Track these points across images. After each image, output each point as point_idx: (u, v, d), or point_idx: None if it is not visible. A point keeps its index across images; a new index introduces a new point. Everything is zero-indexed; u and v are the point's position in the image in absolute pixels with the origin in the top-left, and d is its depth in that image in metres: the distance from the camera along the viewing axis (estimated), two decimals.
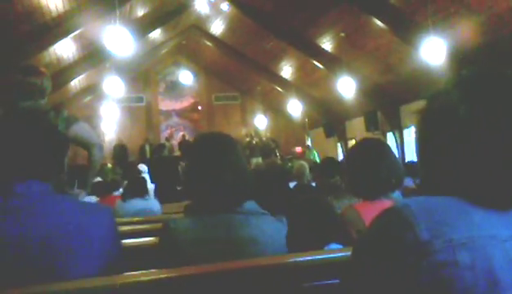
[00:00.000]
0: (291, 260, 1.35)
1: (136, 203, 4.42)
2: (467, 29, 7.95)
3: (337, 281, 1.33)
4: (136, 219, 3.29)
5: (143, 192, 4.54)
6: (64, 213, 1.28)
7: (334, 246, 1.93)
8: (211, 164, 1.50)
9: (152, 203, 4.54)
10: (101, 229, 1.31)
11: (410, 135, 11.71)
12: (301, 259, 1.35)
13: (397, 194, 1.87)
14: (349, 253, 1.33)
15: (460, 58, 8.16)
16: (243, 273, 1.28)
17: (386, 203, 1.78)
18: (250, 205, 1.52)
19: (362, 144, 2.03)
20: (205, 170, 1.50)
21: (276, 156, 14.74)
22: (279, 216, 1.59)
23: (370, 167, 1.87)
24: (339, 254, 1.37)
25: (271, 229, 1.51)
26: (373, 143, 2.05)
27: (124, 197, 4.53)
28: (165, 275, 1.25)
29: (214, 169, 1.49)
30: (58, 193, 1.37)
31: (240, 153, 1.58)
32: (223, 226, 1.44)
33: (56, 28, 8.45)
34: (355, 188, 2.01)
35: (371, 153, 1.91)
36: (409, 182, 5.26)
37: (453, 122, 0.86)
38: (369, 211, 1.76)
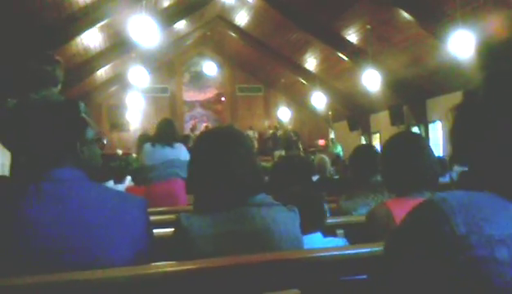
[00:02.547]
0: (315, 254, 1.34)
1: (166, 152, 4.36)
2: (496, 22, 7.75)
3: (364, 277, 1.32)
4: (160, 209, 3.30)
5: (172, 140, 4.47)
6: (98, 198, 1.29)
7: (318, 235, 1.94)
8: (218, 158, 1.48)
9: (180, 152, 4.49)
10: (134, 217, 1.32)
11: (435, 129, 11.53)
12: (326, 254, 1.34)
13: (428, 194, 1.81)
14: (376, 249, 1.33)
15: (489, 52, 7.96)
16: (266, 266, 1.27)
17: (419, 202, 1.73)
18: (261, 197, 1.51)
19: (399, 137, 1.98)
20: (213, 164, 1.48)
21: (299, 149, 14.68)
22: (290, 206, 1.57)
23: (405, 162, 1.82)
24: (366, 249, 1.34)
25: (283, 218, 1.50)
26: (409, 137, 2.00)
27: (153, 142, 4.44)
28: (187, 267, 1.25)
29: (222, 163, 1.47)
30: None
31: (248, 146, 1.55)
32: (236, 220, 1.43)
33: (83, 18, 8.55)
34: (388, 183, 1.98)
35: (408, 148, 1.85)
36: (445, 178, 5.22)
37: (492, 117, 0.83)
38: (400, 208, 1.72)
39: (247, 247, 1.37)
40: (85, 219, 1.23)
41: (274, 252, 1.37)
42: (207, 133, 1.68)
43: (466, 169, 0.93)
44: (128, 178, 6.15)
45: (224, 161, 1.47)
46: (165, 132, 4.48)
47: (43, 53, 2.99)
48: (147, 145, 4.44)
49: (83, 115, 1.38)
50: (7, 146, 1.52)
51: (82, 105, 1.41)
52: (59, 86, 2.70)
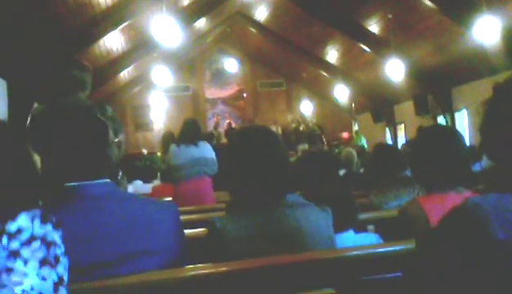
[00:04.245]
0: (350, 253, 1.33)
1: (191, 152, 4.45)
2: None
3: (398, 274, 1.31)
4: (189, 208, 3.34)
5: (196, 139, 4.57)
6: (129, 210, 1.30)
7: (350, 233, 1.92)
8: (251, 160, 1.48)
9: (205, 150, 4.57)
10: (167, 224, 1.33)
11: (462, 118, 11.31)
12: (359, 252, 1.33)
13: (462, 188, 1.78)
14: (410, 246, 1.31)
15: None
16: (300, 266, 1.27)
17: (452, 197, 1.70)
18: (293, 197, 1.51)
19: (430, 130, 1.94)
20: (246, 166, 1.48)
21: (323, 142, 14.57)
22: (323, 206, 1.56)
23: (437, 157, 1.78)
24: (400, 247, 1.33)
25: (316, 218, 1.49)
26: (441, 130, 1.96)
27: (178, 142, 4.56)
28: (220, 269, 1.26)
29: (255, 164, 1.47)
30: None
31: (280, 145, 1.54)
32: (269, 221, 1.42)
33: (105, 20, 8.64)
34: (419, 177, 1.95)
35: (439, 142, 1.81)
36: (476, 167, 5.11)
37: None
38: (432, 204, 1.69)
39: (281, 248, 1.37)
40: (118, 232, 1.25)
41: (307, 252, 1.37)
42: (243, 132, 1.67)
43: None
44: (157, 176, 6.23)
45: (255, 162, 1.46)
46: (189, 132, 4.56)
47: (72, 59, 3.03)
48: (173, 146, 4.52)
49: (103, 118, 1.38)
50: (37, 152, 1.52)
51: (109, 109, 1.42)
52: (87, 91, 2.73)
